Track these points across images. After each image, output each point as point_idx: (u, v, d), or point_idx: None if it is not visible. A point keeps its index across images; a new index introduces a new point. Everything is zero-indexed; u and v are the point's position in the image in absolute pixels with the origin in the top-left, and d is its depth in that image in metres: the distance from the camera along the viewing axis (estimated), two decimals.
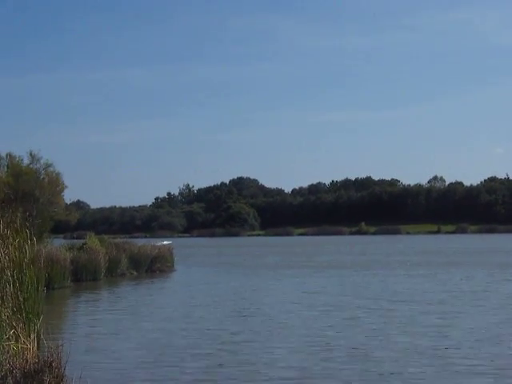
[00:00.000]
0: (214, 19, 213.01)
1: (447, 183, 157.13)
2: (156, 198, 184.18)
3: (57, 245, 30.01)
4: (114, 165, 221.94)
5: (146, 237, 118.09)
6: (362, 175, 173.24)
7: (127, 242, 34.81)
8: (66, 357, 8.91)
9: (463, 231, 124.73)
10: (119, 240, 35.69)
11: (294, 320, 16.42)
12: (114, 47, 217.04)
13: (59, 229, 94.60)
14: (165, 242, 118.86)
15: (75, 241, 36.20)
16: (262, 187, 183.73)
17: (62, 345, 9.17)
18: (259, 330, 14.87)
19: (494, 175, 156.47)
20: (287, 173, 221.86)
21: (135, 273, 32.59)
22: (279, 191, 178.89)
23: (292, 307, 18.93)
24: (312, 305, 19.31)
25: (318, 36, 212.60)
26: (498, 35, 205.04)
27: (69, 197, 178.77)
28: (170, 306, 19.73)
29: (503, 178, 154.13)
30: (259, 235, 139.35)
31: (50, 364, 8.66)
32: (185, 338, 13.93)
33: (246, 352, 12.46)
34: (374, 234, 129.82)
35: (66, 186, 44.63)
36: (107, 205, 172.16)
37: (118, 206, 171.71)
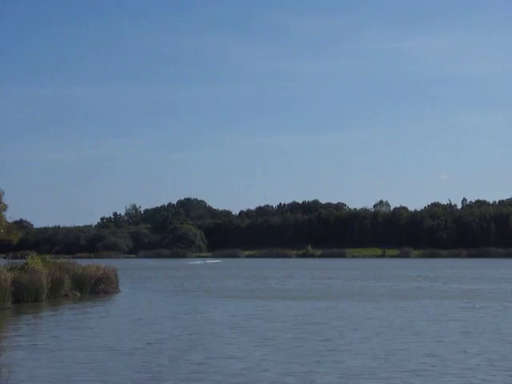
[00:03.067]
0: (166, 39, 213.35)
1: (392, 208, 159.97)
2: (102, 218, 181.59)
3: None
4: (59, 184, 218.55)
5: (90, 257, 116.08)
6: (309, 198, 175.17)
7: (71, 263, 34.10)
8: (5, 382, 8.68)
9: (407, 255, 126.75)
10: (62, 260, 34.94)
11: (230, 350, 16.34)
12: (64, 65, 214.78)
13: (0, 248, 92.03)
14: (208, 261, 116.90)
15: (17, 261, 35.24)
16: (210, 209, 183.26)
17: None
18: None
19: (437, 201, 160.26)
20: (235, 195, 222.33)
21: (78, 294, 31.94)
22: (227, 213, 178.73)
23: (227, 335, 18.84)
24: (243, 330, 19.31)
25: (267, 59, 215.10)
26: (443, 64, 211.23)
27: (10, 215, 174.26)
28: (104, 332, 19.22)
29: (446, 203, 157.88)
30: (206, 257, 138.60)
31: None
32: (115, 370, 13.63)
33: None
34: (320, 257, 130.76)
35: (6, 205, 43.14)
36: (51, 224, 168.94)
37: (62, 225, 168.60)
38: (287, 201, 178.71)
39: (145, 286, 40.21)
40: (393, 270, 64.59)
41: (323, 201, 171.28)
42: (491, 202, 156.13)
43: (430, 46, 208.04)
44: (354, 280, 46.12)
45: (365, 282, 43.21)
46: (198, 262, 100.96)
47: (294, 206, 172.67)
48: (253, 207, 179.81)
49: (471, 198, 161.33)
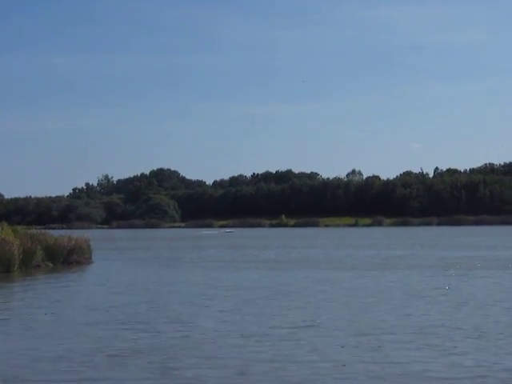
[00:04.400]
0: (149, 9, 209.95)
1: (365, 177, 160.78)
2: (74, 189, 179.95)
3: None
4: (31, 153, 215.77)
5: (62, 228, 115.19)
6: (283, 168, 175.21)
7: (42, 233, 33.82)
8: None
9: (379, 224, 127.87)
10: (34, 231, 34.61)
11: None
12: (42, 35, 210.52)
13: None
14: (227, 230, 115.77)
15: None
16: (183, 179, 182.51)
17: None
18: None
19: (409, 169, 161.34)
20: (208, 165, 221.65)
21: (51, 264, 31.71)
22: (200, 183, 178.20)
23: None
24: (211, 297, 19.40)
25: (248, 29, 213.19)
26: (415, 33, 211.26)
27: None
28: (74, 305, 19.01)
29: (418, 172, 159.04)
30: (180, 227, 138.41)
31: None
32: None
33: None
34: (294, 226, 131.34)
35: None
36: (22, 195, 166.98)
37: (33, 196, 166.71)
38: (260, 170, 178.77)
39: (117, 256, 40.02)
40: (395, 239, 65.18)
41: (296, 170, 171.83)
42: (462, 171, 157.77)
43: (402, 14, 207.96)
44: (351, 249, 46.46)
45: (361, 251, 43.57)
46: (213, 231, 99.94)
47: (267, 176, 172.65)
48: (226, 177, 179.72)
49: (443, 167, 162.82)
